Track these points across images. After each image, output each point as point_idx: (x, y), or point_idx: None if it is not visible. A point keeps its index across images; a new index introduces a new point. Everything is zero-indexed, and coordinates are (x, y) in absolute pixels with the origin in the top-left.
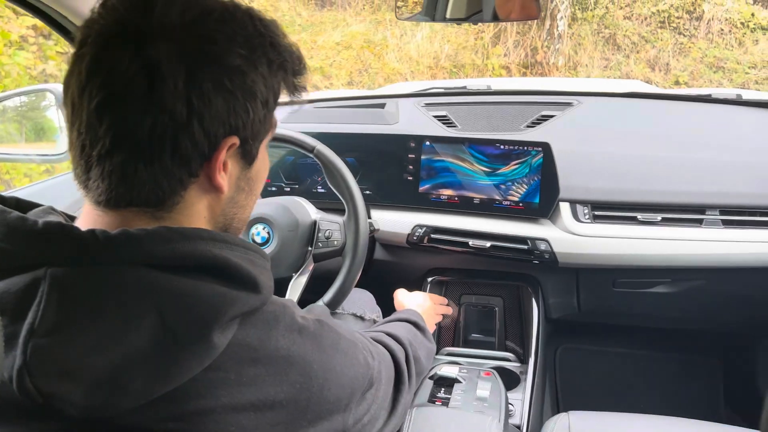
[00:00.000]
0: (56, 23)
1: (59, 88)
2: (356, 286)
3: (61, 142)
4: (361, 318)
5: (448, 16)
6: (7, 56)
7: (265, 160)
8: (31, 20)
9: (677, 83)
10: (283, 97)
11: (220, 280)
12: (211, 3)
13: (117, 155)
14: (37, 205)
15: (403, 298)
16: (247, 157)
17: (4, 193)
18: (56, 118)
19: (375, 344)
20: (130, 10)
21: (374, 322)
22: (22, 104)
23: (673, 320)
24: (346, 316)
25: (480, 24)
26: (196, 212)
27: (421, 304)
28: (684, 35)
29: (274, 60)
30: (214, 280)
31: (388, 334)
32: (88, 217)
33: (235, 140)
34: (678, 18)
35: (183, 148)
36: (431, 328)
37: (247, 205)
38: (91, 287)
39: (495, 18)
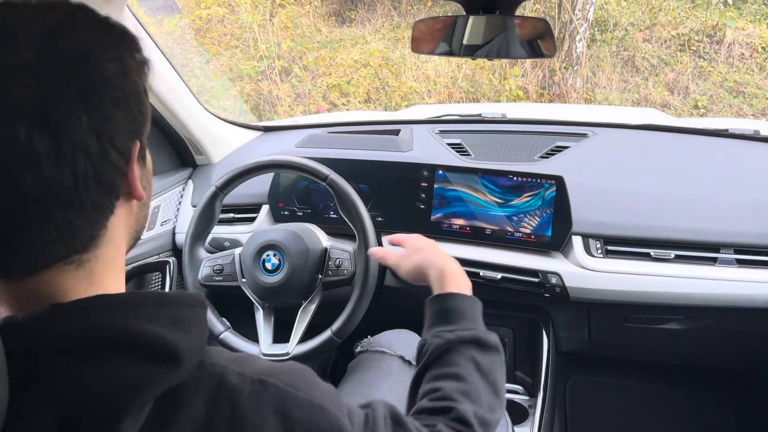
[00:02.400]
0: None
1: None
2: (366, 313)
3: None
4: (409, 363)
5: (462, 53)
6: None
7: (148, 158)
8: None
9: (696, 107)
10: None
11: (134, 357)
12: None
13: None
14: None
15: (420, 252)
16: (143, 154)
17: None
18: None
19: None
20: None
21: None
22: None
23: (686, 356)
24: (393, 358)
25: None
26: (119, 234)
27: (451, 262)
28: (704, 59)
29: (133, 48)
30: (129, 358)
31: (451, 413)
32: None
33: (137, 144)
34: (698, 41)
35: (105, 174)
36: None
37: (149, 202)
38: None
39: (508, 55)
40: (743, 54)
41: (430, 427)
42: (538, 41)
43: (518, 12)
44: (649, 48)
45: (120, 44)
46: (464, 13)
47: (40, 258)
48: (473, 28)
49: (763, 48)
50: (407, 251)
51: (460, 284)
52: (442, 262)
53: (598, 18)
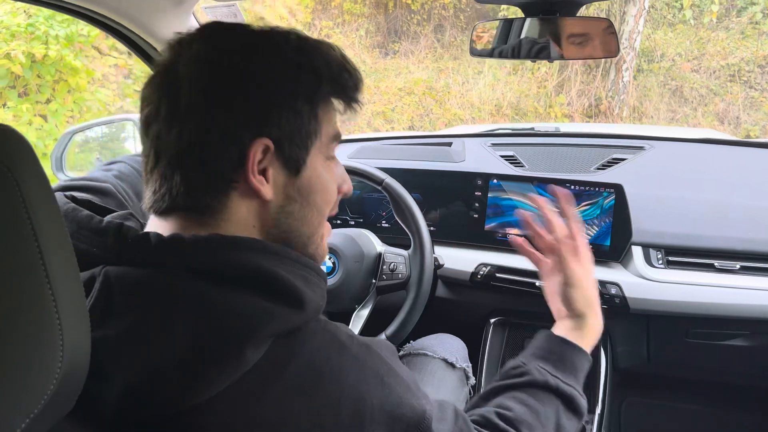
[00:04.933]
0: (141, 50)
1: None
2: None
3: None
4: (452, 365)
5: (520, 54)
6: (89, 92)
7: (321, 173)
8: (113, 60)
9: (748, 137)
10: (339, 107)
11: (263, 293)
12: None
13: (158, 167)
14: (114, 210)
15: (579, 288)
16: (290, 163)
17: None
18: (133, 148)
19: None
20: (173, 43)
21: (464, 372)
22: (103, 135)
23: (751, 377)
24: (437, 361)
25: (544, 72)
26: (242, 219)
27: (591, 320)
28: (755, 89)
29: (301, 63)
30: (257, 293)
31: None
32: (150, 225)
33: (266, 142)
34: (749, 72)
35: (209, 157)
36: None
37: (306, 218)
38: (137, 289)
39: (569, 56)
40: None
41: None
42: (600, 42)
43: (579, 14)
44: (698, 78)
45: (287, 57)
46: (522, 15)
47: (160, 200)
48: (531, 31)
49: None
50: (568, 277)
51: (589, 341)
52: (589, 313)
53: (644, 48)
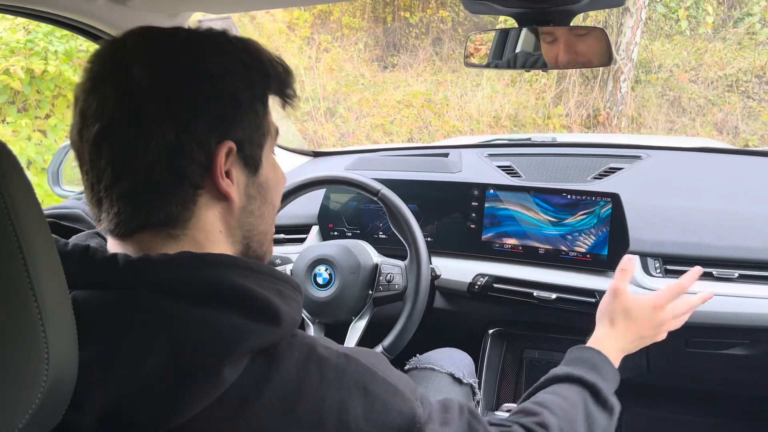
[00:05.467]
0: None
1: None
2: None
3: None
4: (459, 381)
5: (515, 65)
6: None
7: (275, 168)
8: None
9: (746, 146)
10: (278, 103)
11: (238, 310)
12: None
13: (120, 184)
14: (81, 230)
15: (601, 319)
16: (250, 163)
17: (46, 210)
18: None
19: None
20: (112, 50)
21: (471, 387)
22: None
23: (752, 386)
24: (443, 375)
25: (543, 83)
26: (209, 225)
27: (620, 335)
28: (753, 99)
29: (251, 65)
30: (232, 310)
31: (536, 419)
32: (112, 245)
33: (230, 145)
34: (746, 82)
35: (180, 164)
36: (645, 344)
37: (264, 215)
38: (108, 312)
39: (564, 65)
40: None
41: (506, 427)
42: (595, 52)
43: (573, 23)
44: (696, 88)
45: (237, 59)
46: (517, 26)
47: (126, 219)
48: (526, 41)
49: None
50: (635, 310)
51: (613, 348)
52: (628, 345)
53: (642, 59)
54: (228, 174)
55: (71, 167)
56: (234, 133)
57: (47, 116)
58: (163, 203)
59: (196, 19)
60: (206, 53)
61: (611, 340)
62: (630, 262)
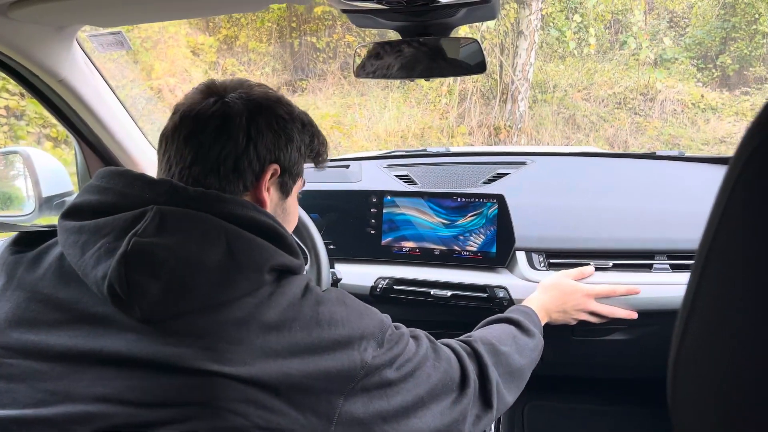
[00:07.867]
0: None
1: (28, 150)
2: None
3: (27, 205)
4: None
5: (400, 75)
6: None
7: (296, 205)
8: (3, 102)
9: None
10: (310, 162)
11: (266, 237)
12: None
13: (195, 167)
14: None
15: (540, 286)
16: (284, 188)
17: None
18: (24, 186)
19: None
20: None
21: None
22: None
23: (635, 369)
24: None
25: (444, 103)
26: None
27: (547, 300)
28: (640, 115)
29: (305, 123)
30: (263, 236)
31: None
32: None
33: (276, 167)
34: (633, 99)
35: (242, 166)
36: (566, 320)
37: (285, 220)
38: (183, 217)
39: (444, 73)
40: (675, 110)
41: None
42: (471, 60)
43: (452, 35)
44: (588, 106)
45: (297, 115)
46: (401, 38)
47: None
48: (409, 52)
49: (693, 104)
50: (568, 287)
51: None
52: (553, 311)
53: (538, 80)
54: (268, 189)
55: None
56: (282, 160)
57: None
58: (220, 189)
59: (85, 34)
60: (280, 103)
61: (540, 302)
62: (589, 269)
